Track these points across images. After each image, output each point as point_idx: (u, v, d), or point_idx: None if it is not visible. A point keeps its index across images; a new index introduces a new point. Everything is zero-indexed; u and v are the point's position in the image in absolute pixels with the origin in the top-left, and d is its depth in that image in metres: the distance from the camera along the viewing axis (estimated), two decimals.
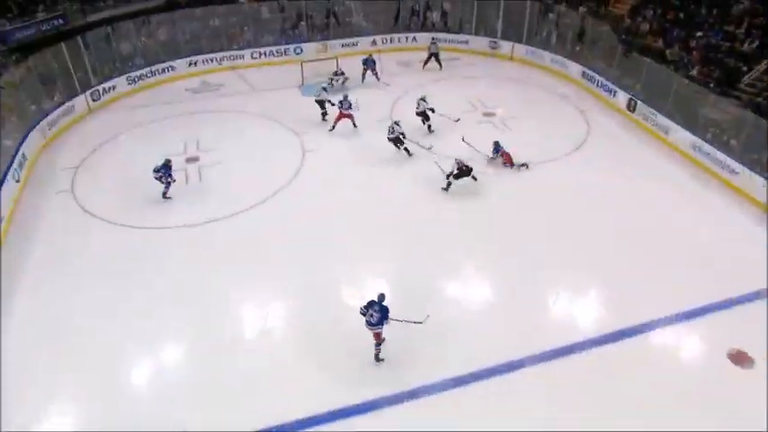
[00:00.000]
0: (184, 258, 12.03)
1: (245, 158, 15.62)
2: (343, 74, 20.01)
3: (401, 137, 15.27)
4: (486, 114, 17.95)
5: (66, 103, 17.90)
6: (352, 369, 9.44)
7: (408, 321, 9.32)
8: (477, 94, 19.20)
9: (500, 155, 15.10)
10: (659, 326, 10.21)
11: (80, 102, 18.43)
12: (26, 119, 16.29)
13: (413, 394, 9.00)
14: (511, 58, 22.47)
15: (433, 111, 16.58)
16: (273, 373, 9.39)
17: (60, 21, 19.92)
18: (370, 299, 9.27)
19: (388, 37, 23.39)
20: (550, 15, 21.75)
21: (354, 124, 16.92)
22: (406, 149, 15.46)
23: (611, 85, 18.50)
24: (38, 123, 16.47)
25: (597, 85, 19.17)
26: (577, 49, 20.51)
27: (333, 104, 16.95)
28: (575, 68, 20.24)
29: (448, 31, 23.44)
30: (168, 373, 9.62)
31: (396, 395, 8.98)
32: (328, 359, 9.62)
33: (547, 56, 21.32)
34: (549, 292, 11.07)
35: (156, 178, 13.60)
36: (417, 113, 16.64)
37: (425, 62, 21.45)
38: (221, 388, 9.17)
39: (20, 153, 14.90)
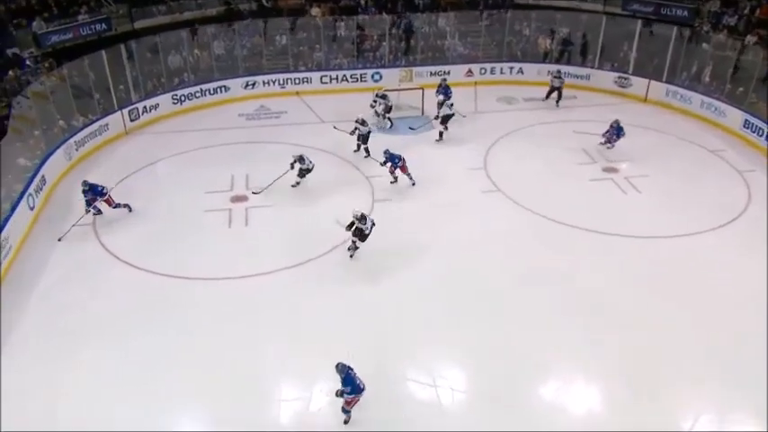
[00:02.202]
0: (214, 319, 11.74)
1: (302, 204, 15.49)
2: (385, 97, 19.57)
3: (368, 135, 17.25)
4: (607, 170, 17.17)
5: (100, 121, 18.43)
6: None
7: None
8: (597, 143, 18.38)
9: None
10: None
11: (116, 120, 18.93)
12: (51, 136, 16.77)
13: None
14: (645, 100, 21.81)
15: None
16: None
17: (103, 26, 20.86)
18: (345, 379, 9.18)
19: (488, 66, 23.23)
20: (704, 46, 20.98)
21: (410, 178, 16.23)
22: (366, 149, 17.36)
23: None
24: (64, 142, 16.93)
25: (767, 139, 18.10)
26: (740, 90, 19.52)
27: (383, 164, 16.19)
28: (734, 116, 19.22)
29: (567, 62, 23.08)
30: None
31: None
32: None
33: (696, 98, 20.46)
34: (680, 414, 9.91)
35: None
36: (445, 117, 18.35)
37: (548, 95, 21.51)
38: None
39: (39, 175, 15.28)
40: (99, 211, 14.78)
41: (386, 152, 15.84)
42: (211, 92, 21.35)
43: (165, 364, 10.73)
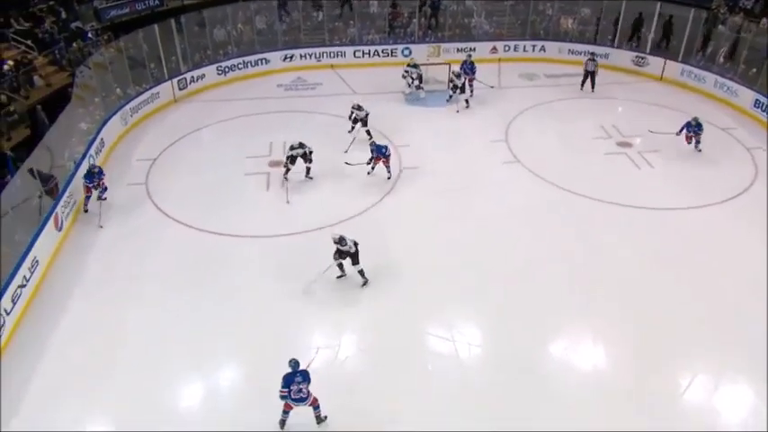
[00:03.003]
0: (259, 275, 12.38)
1: (333, 169, 15.84)
2: (416, 66, 19.97)
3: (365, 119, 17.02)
4: (621, 144, 17.35)
5: (152, 90, 19.16)
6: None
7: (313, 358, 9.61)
8: (614, 119, 18.68)
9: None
10: None
11: (166, 89, 19.65)
12: (109, 102, 17.56)
13: None
14: (661, 79, 21.68)
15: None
16: None
17: (156, 1, 21.57)
18: (285, 374, 8.84)
19: (512, 44, 23.31)
20: (721, 28, 20.73)
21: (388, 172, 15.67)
22: (367, 132, 16.91)
23: None
24: (120, 108, 17.71)
25: None
26: (752, 71, 19.38)
27: (369, 161, 15.47)
28: (746, 95, 19.14)
29: (586, 41, 22.96)
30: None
31: None
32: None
33: (710, 78, 20.32)
34: (681, 375, 10.26)
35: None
36: (455, 85, 19.01)
37: (583, 83, 20.74)
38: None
39: (98, 138, 16.06)
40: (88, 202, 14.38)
41: (372, 143, 15.50)
42: (253, 64, 21.90)
43: (213, 315, 11.33)
